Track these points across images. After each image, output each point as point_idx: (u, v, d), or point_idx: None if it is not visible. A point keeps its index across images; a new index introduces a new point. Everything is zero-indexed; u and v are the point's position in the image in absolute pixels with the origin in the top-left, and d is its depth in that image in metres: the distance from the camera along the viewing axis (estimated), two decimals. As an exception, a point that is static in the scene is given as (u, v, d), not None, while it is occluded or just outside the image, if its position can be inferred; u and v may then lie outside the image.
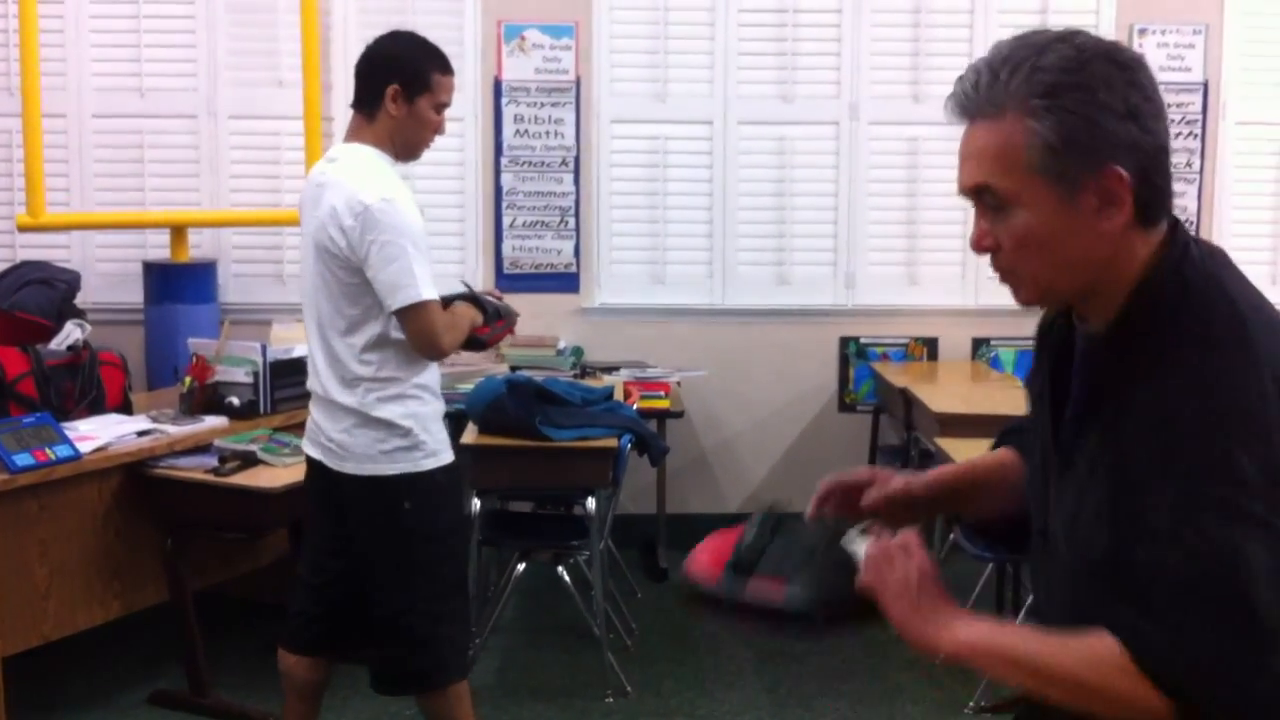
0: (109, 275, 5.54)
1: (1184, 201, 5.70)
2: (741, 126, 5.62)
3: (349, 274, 2.86)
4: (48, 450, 3.59)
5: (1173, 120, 5.62)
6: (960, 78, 1.48)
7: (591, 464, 4.10)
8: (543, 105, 5.55)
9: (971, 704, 4.00)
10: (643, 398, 4.99)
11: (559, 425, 4.05)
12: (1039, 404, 1.52)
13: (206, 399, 4.17)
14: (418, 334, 2.85)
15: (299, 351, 4.14)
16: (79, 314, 4.67)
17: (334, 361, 2.93)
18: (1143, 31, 5.62)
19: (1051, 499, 1.46)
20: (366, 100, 2.96)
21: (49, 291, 4.78)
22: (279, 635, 3.16)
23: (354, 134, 2.98)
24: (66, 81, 5.44)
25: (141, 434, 3.91)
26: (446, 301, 3.08)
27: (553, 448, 4.02)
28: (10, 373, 3.88)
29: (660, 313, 5.65)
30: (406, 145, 2.99)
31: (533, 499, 4.84)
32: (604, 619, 4.27)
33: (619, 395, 4.68)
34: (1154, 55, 5.62)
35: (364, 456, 2.92)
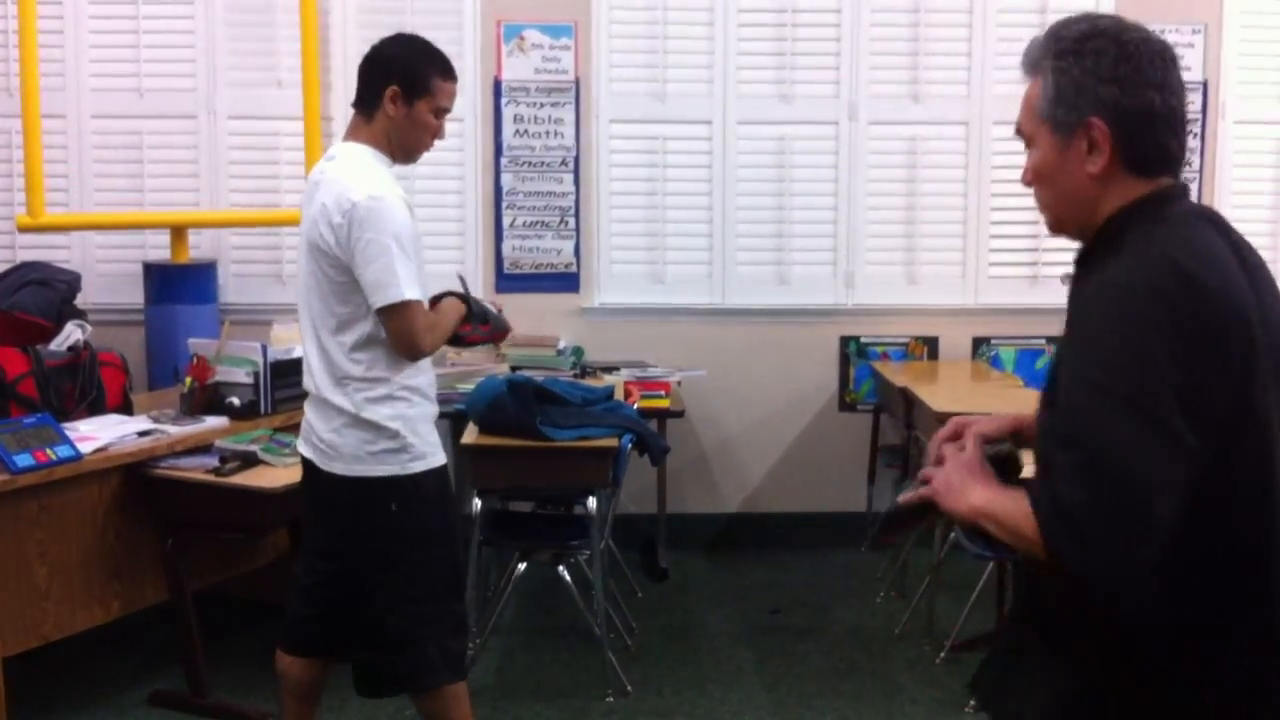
0: (109, 276, 5.54)
1: (1183, 201, 5.70)
2: (741, 126, 5.62)
3: (338, 272, 2.87)
4: (48, 451, 3.60)
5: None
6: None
7: (592, 464, 4.10)
8: (542, 105, 5.55)
9: (970, 704, 4.00)
10: (643, 397, 4.99)
11: (559, 425, 4.05)
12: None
13: (207, 399, 4.18)
14: (397, 333, 2.86)
15: (299, 352, 4.12)
16: (79, 314, 4.67)
17: (326, 360, 2.93)
18: (1142, 31, 5.61)
19: None
20: (366, 100, 2.96)
21: (49, 292, 4.78)
22: (277, 636, 3.16)
23: (352, 133, 2.99)
24: (66, 82, 5.44)
25: (142, 434, 3.91)
26: (438, 298, 3.09)
27: (553, 448, 4.02)
28: (10, 373, 3.88)
29: (660, 312, 5.65)
30: (403, 147, 2.99)
31: (533, 499, 4.84)
32: (604, 619, 4.27)
33: (619, 395, 4.68)
34: (1153, 54, 5.62)
35: (352, 457, 2.92)
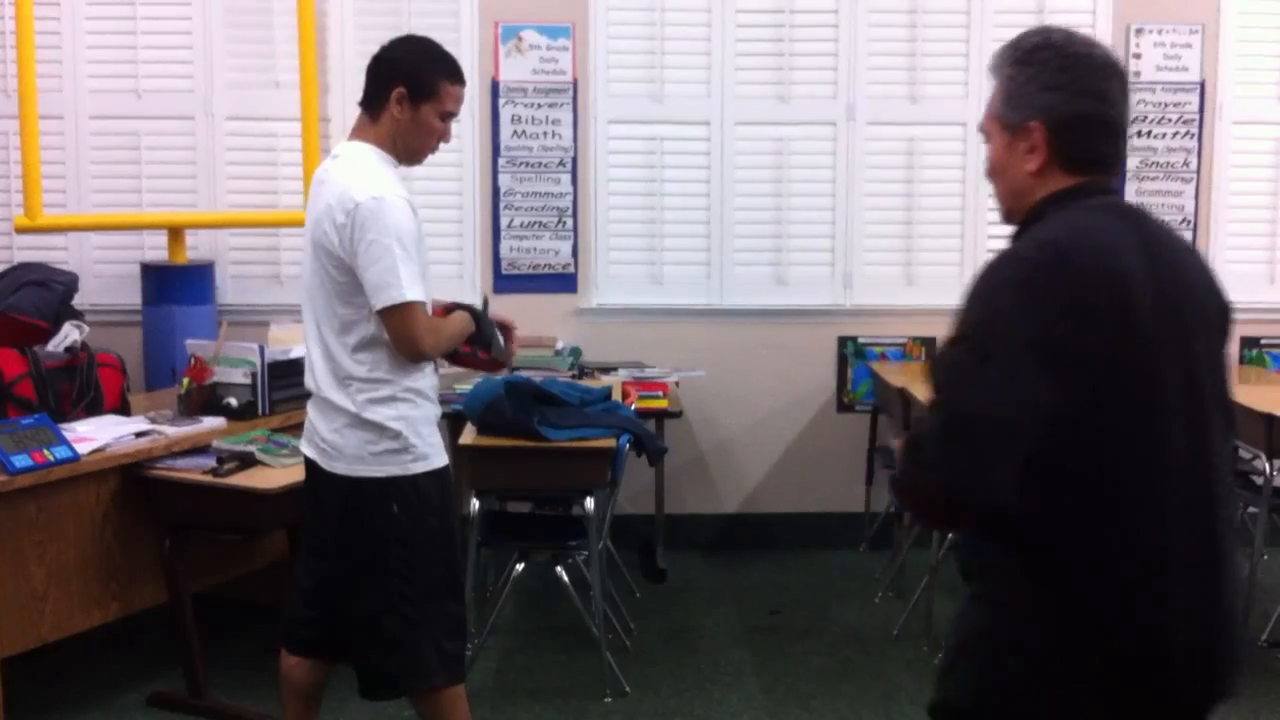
0: (106, 276, 5.53)
1: (1181, 201, 5.71)
2: (739, 127, 5.62)
3: (341, 272, 2.86)
4: (46, 452, 3.59)
5: (1169, 120, 5.64)
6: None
7: (590, 464, 4.10)
8: (540, 106, 5.55)
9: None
10: (641, 398, 4.99)
11: (557, 426, 4.05)
12: None
13: (204, 400, 4.17)
14: (398, 335, 2.85)
15: (296, 352, 4.14)
16: (76, 315, 4.67)
17: (329, 360, 2.93)
18: (1139, 31, 5.62)
19: None
20: (372, 100, 2.96)
21: (46, 293, 4.78)
22: (280, 636, 3.16)
23: (358, 132, 2.99)
24: (63, 83, 5.44)
25: (139, 435, 3.91)
26: (453, 307, 3.09)
27: (551, 448, 4.02)
28: (8, 374, 3.88)
29: (658, 313, 5.65)
30: (408, 149, 2.98)
31: (531, 499, 4.84)
32: (602, 619, 4.26)
33: (617, 395, 4.68)
34: (1151, 55, 5.63)
35: (354, 457, 2.92)
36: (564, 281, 5.63)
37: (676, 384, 5.31)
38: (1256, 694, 4.17)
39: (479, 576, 4.54)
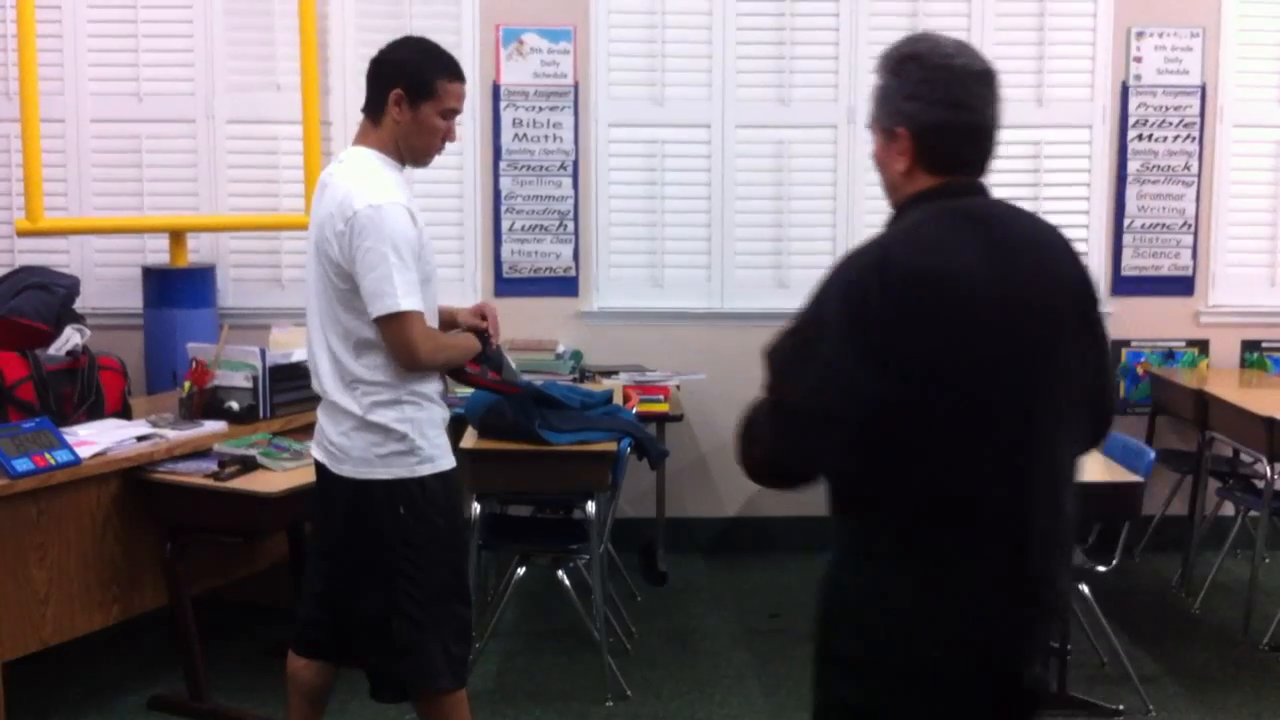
0: (108, 280, 5.54)
1: (1182, 204, 5.71)
2: (739, 130, 5.62)
3: (342, 279, 2.87)
4: (47, 455, 3.60)
5: (1170, 123, 5.64)
6: None
7: (590, 468, 4.10)
8: (541, 109, 5.56)
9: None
10: (642, 401, 4.99)
11: (558, 429, 4.05)
12: None
13: (205, 403, 4.17)
14: (393, 343, 2.86)
15: (298, 356, 4.14)
16: (78, 319, 4.66)
17: (335, 364, 2.93)
18: (1140, 34, 5.62)
19: None
20: (373, 104, 2.96)
21: (48, 296, 4.77)
22: (285, 638, 3.16)
23: (361, 137, 2.99)
24: (64, 86, 5.45)
25: (140, 439, 3.91)
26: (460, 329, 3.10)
27: (552, 451, 4.02)
28: (9, 378, 3.88)
29: (659, 316, 5.65)
30: (412, 150, 2.98)
31: (532, 503, 4.84)
32: (603, 623, 4.26)
33: (618, 399, 4.68)
34: (1152, 58, 5.63)
35: (360, 460, 2.92)
36: (565, 285, 5.64)
37: (677, 387, 5.31)
38: (1259, 697, 4.17)
39: (480, 580, 4.54)
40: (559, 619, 4.75)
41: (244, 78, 5.52)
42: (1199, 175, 5.70)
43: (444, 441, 3.02)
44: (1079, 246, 5.71)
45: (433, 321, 3.01)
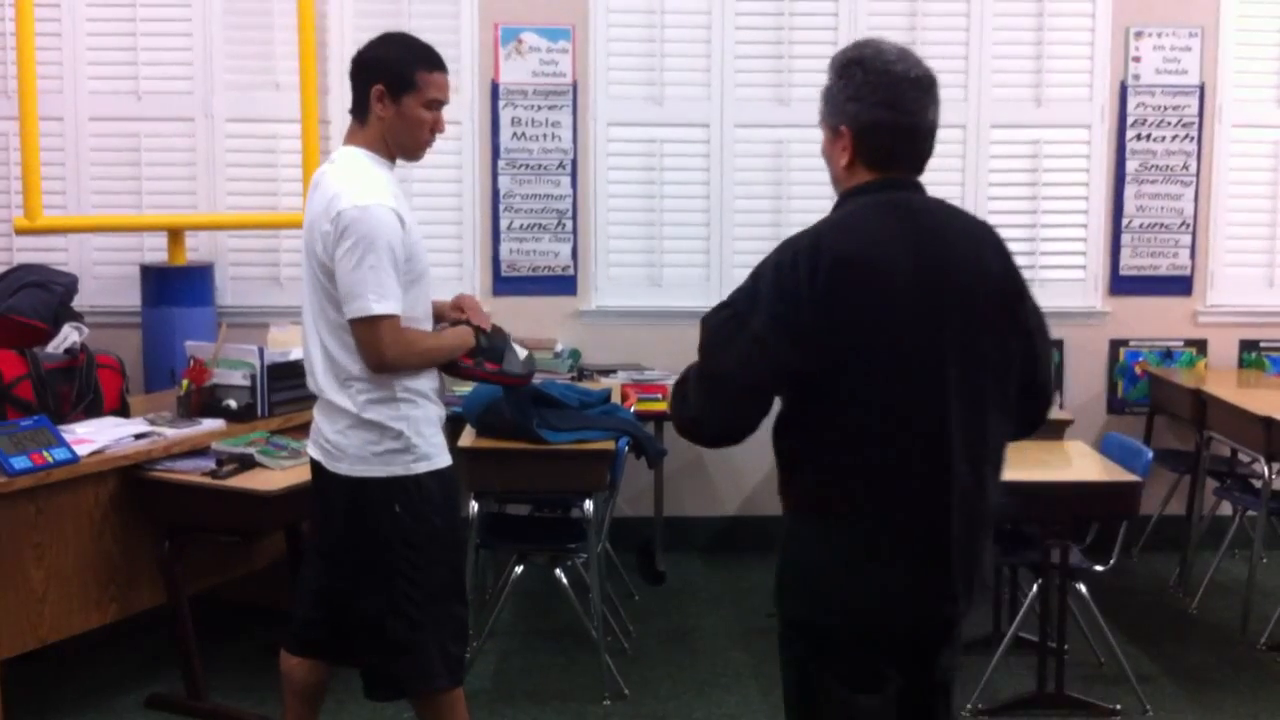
0: (106, 278, 5.53)
1: (1181, 204, 5.71)
2: (738, 129, 5.62)
3: (329, 279, 2.86)
4: (45, 453, 3.59)
5: (1169, 123, 5.64)
6: None
7: (589, 467, 4.10)
8: (540, 108, 5.56)
9: (970, 706, 4.00)
10: (640, 400, 4.99)
11: (556, 428, 4.05)
12: None
13: (203, 402, 4.17)
14: (361, 345, 2.85)
15: (296, 354, 4.13)
16: (76, 317, 4.67)
17: (330, 362, 2.93)
18: (1139, 34, 5.62)
19: None
20: (358, 104, 2.96)
21: (46, 295, 4.78)
22: (281, 637, 3.16)
23: (349, 138, 2.99)
24: (63, 84, 5.45)
25: (138, 437, 3.91)
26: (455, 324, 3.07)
27: (550, 450, 4.02)
28: (7, 376, 3.88)
29: (657, 315, 5.65)
30: (401, 145, 2.97)
31: (530, 502, 4.84)
32: (601, 622, 4.26)
33: (616, 398, 4.68)
34: (1150, 58, 5.63)
35: (357, 458, 2.92)
36: (563, 284, 5.63)
37: (676, 386, 5.30)
38: (1257, 697, 4.17)
39: (478, 579, 4.54)
40: (557, 618, 4.75)
41: (243, 76, 5.52)
42: (1197, 175, 5.70)
43: (440, 440, 3.02)
44: (1077, 245, 5.78)
45: (425, 321, 3.00)
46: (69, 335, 4.11)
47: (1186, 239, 5.73)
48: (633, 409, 4.71)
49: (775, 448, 2.24)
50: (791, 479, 2.21)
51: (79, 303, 5.06)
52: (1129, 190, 5.69)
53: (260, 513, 3.71)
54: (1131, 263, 5.73)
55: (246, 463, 3.84)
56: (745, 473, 5.73)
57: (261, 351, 4.21)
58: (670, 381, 5.26)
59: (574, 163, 5.58)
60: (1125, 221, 5.71)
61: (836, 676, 2.16)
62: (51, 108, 5.28)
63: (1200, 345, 5.77)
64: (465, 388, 4.58)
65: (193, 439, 4.00)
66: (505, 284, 5.60)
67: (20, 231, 4.97)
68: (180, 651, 3.94)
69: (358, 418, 2.90)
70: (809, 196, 5.64)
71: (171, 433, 3.99)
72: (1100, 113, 5.66)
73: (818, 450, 2.15)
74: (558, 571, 4.42)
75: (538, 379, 4.55)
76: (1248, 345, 5.79)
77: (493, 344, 3.12)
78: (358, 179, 2.87)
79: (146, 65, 5.49)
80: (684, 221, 5.66)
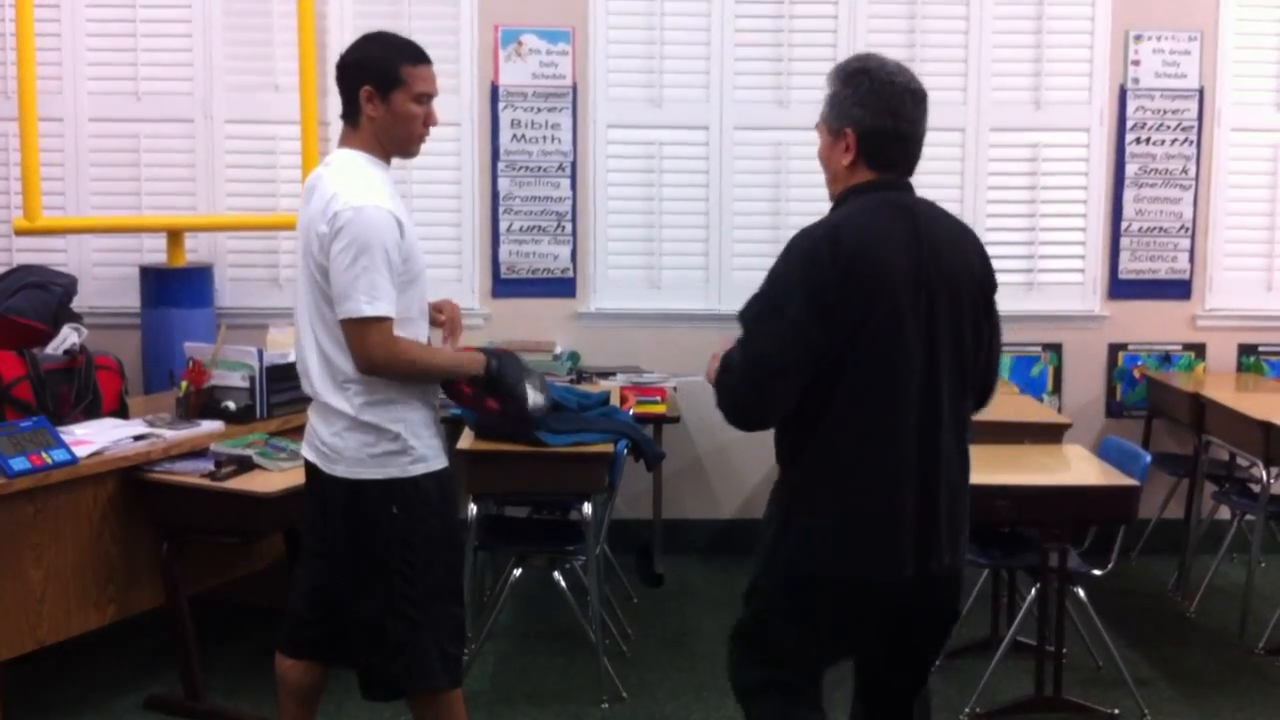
0: (105, 279, 5.54)
1: (1180, 208, 5.71)
2: (737, 132, 5.63)
3: (326, 280, 2.86)
4: (44, 454, 3.59)
5: (1168, 127, 5.65)
6: None
7: (587, 469, 4.10)
8: (539, 110, 5.56)
9: (968, 709, 4.00)
10: (639, 403, 4.99)
11: (555, 430, 4.05)
12: None
13: (202, 403, 4.17)
14: (351, 346, 2.85)
15: (294, 356, 4.13)
16: (75, 318, 4.67)
17: (325, 363, 2.92)
18: (1139, 38, 5.63)
19: None
20: (349, 108, 2.98)
21: (45, 295, 4.78)
22: (275, 638, 3.16)
23: (343, 142, 3.00)
24: (63, 85, 5.45)
25: (137, 438, 3.91)
26: (477, 350, 3.07)
27: (549, 453, 4.01)
28: (6, 377, 3.88)
29: (656, 317, 5.65)
30: (396, 143, 2.98)
31: (528, 504, 4.84)
32: (600, 624, 4.26)
33: (615, 400, 4.68)
34: (1149, 62, 5.64)
35: (353, 460, 2.91)
36: (563, 286, 5.64)
37: (675, 389, 5.31)
38: (1254, 701, 4.17)
39: (476, 580, 4.54)
40: (555, 620, 4.75)
41: (242, 78, 5.52)
42: (1196, 179, 5.71)
43: (437, 441, 3.02)
44: (1076, 249, 5.78)
45: (421, 322, 3.01)
46: (68, 336, 4.11)
47: (1185, 243, 5.73)
48: (631, 411, 4.71)
49: (780, 425, 2.54)
50: (799, 457, 2.53)
51: (78, 304, 5.06)
52: (1128, 194, 5.69)
53: (259, 514, 3.71)
54: (1130, 266, 5.73)
55: (245, 464, 3.84)
56: (744, 475, 5.73)
57: (260, 353, 4.21)
58: (669, 384, 5.34)
59: (573, 165, 5.58)
60: (1124, 225, 5.71)
61: (813, 635, 2.53)
62: (51, 108, 5.29)
63: (1199, 349, 5.77)
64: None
65: (192, 440, 4.00)
66: (504, 286, 5.61)
67: (20, 232, 4.97)
68: (179, 652, 3.93)
69: (355, 420, 2.90)
70: (808, 199, 5.63)
71: (170, 434, 3.99)
72: (1099, 116, 5.66)
73: (823, 419, 2.43)
74: (556, 574, 4.42)
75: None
76: (1246, 349, 5.79)
77: (501, 376, 3.05)
78: (355, 180, 2.87)
79: (146, 66, 5.49)
80: (683, 224, 5.66)
